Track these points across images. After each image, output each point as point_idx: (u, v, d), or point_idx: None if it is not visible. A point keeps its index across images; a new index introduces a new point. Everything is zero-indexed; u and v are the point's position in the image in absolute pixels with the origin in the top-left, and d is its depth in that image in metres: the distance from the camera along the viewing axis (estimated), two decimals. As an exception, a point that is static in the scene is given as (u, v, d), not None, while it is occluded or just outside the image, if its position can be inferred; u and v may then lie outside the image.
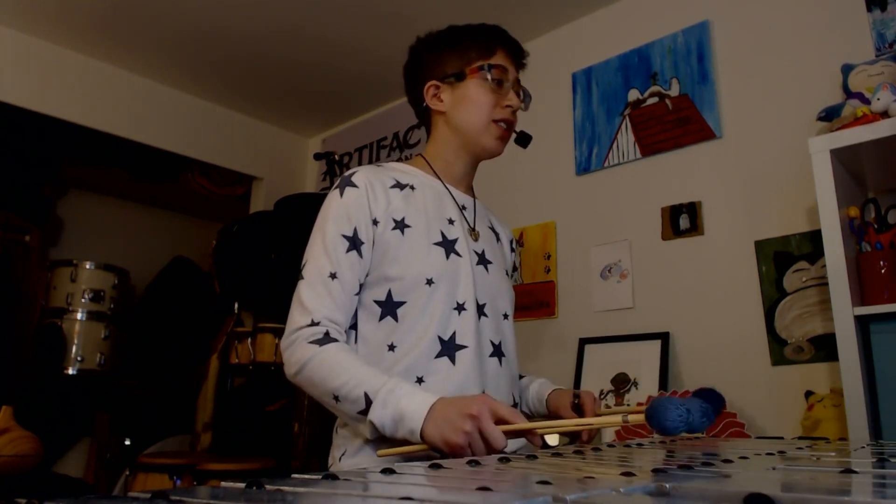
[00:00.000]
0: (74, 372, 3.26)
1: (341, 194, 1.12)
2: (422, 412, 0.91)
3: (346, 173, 1.15)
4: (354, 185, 1.12)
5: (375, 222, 1.11)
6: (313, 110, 3.76)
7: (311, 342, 1.02)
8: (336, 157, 2.79)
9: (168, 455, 3.02)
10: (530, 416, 1.28)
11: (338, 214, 1.11)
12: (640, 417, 0.80)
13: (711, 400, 1.11)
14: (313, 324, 1.04)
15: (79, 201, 4.23)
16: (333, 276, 1.07)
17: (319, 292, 1.06)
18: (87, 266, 3.43)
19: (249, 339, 3.08)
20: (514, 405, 1.20)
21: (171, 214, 4.73)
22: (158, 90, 3.47)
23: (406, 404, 0.93)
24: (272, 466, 2.78)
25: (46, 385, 3.27)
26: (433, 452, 0.92)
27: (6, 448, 2.50)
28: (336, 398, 0.98)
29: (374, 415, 0.94)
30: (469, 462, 0.67)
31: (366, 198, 1.12)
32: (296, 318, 1.06)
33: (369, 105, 3.66)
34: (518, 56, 1.25)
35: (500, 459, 0.71)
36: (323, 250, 1.09)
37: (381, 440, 1.00)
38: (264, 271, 3.03)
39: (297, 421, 2.85)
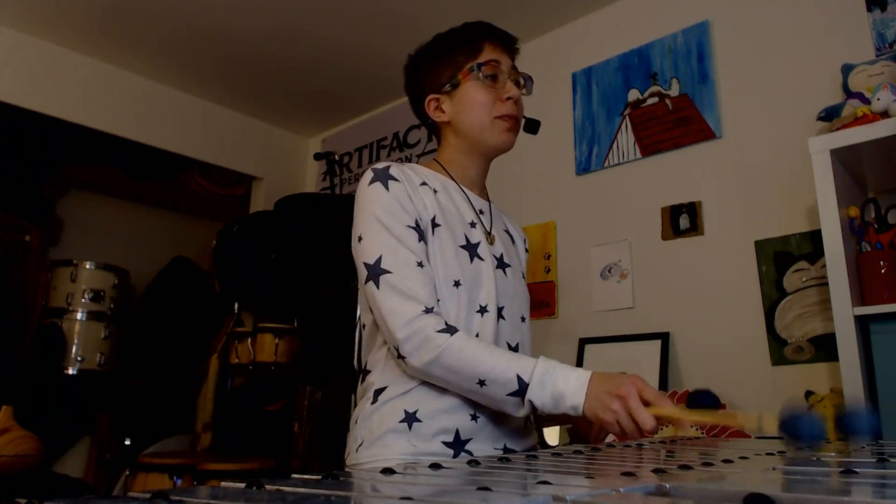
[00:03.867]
0: (74, 372, 3.26)
1: (386, 187, 1.10)
2: (582, 390, 0.96)
3: (379, 167, 1.13)
4: (396, 179, 1.11)
5: (419, 216, 1.12)
6: (313, 110, 3.76)
7: (439, 331, 1.02)
8: (336, 157, 2.79)
9: (168, 455, 3.02)
10: (543, 419, 1.30)
11: (393, 206, 1.09)
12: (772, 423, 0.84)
13: (707, 401, 1.11)
14: (428, 311, 1.04)
15: (79, 201, 4.22)
16: (420, 264, 1.07)
17: (417, 280, 1.05)
18: (87, 266, 3.43)
19: (249, 339, 3.08)
20: None
21: (171, 214, 4.73)
22: (159, 90, 3.47)
23: (563, 384, 0.97)
24: (272, 466, 2.78)
25: (46, 385, 3.27)
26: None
27: (6, 448, 2.50)
28: (482, 382, 1.00)
29: (534, 395, 0.98)
30: (469, 462, 0.68)
31: (407, 191, 1.11)
32: (404, 308, 1.03)
33: (369, 105, 3.66)
34: (507, 44, 1.24)
35: (500, 459, 0.71)
36: (398, 242, 1.07)
37: (403, 433, 1.05)
38: (264, 271, 3.03)
39: (297, 421, 2.86)
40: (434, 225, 1.12)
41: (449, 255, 1.11)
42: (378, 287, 1.05)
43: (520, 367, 0.99)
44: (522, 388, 0.98)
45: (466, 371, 1.01)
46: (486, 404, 1.06)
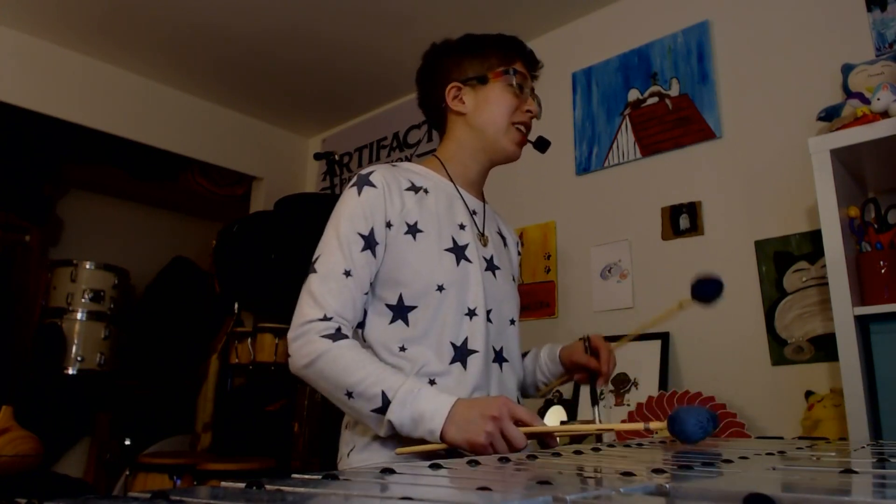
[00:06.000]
0: (74, 372, 3.26)
1: (359, 193, 1.12)
2: (442, 413, 0.94)
3: (364, 172, 1.14)
4: (373, 185, 1.12)
5: (389, 225, 1.11)
6: (313, 110, 3.75)
7: (323, 336, 1.02)
8: (336, 157, 2.79)
9: (168, 455, 3.02)
10: (548, 382, 1.35)
11: (354, 213, 1.10)
12: (662, 425, 0.82)
13: (710, 286, 1.12)
14: (325, 318, 1.04)
15: (79, 201, 4.22)
16: (348, 273, 1.07)
17: (332, 288, 1.06)
18: (87, 266, 3.43)
19: (249, 339, 3.08)
20: None
21: (171, 214, 4.73)
22: (158, 90, 3.47)
23: (425, 405, 0.95)
24: (272, 466, 2.78)
25: (46, 385, 3.27)
26: (449, 452, 0.95)
27: (6, 448, 2.50)
28: (349, 394, 0.99)
29: (393, 414, 0.96)
30: (469, 462, 0.67)
31: (383, 198, 1.12)
32: (306, 310, 1.06)
33: (369, 105, 3.66)
34: (534, 68, 1.28)
35: (500, 459, 0.71)
36: (338, 246, 1.08)
37: (391, 437, 1.02)
38: (264, 271, 3.03)
39: (297, 421, 2.85)
40: (416, 231, 1.12)
41: (431, 261, 1.11)
42: (304, 282, 1.09)
43: (388, 383, 0.97)
44: (385, 406, 0.96)
45: (336, 380, 1.00)
46: (356, 419, 1.06)
